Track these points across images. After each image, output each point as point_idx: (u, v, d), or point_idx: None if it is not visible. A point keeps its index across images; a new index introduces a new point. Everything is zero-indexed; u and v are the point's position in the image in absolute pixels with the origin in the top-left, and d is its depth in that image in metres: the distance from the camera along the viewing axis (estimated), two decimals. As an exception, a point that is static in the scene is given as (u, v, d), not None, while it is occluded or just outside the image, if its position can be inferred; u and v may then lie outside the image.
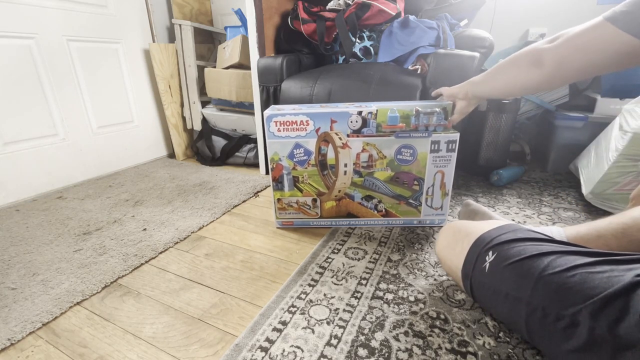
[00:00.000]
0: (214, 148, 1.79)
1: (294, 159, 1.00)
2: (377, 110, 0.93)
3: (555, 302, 0.47)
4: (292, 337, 0.65)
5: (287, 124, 0.96)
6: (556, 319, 0.46)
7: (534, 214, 1.14)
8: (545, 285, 0.48)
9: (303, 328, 0.67)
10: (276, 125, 0.97)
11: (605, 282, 0.43)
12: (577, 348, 0.44)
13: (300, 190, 1.04)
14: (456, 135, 0.93)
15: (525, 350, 0.60)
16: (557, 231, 0.70)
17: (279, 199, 1.06)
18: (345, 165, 0.99)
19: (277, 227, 1.11)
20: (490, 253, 0.57)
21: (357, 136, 0.96)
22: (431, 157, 0.95)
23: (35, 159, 1.42)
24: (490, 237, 0.59)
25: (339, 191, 1.03)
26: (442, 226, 0.99)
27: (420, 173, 0.98)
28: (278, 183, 1.04)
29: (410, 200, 1.02)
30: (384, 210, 1.04)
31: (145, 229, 1.11)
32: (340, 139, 0.96)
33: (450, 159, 0.95)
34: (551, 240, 0.55)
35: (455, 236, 0.68)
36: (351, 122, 0.94)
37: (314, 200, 1.05)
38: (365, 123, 0.94)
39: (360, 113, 0.93)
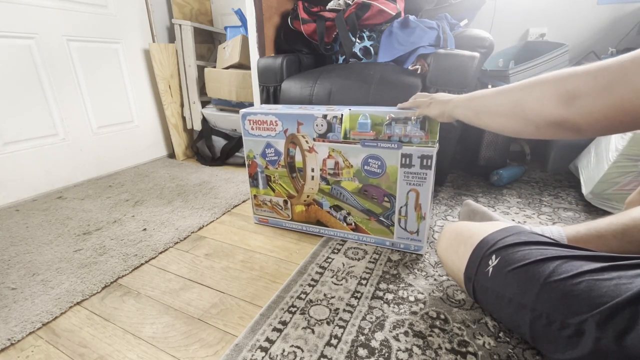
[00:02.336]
0: (214, 148, 1.79)
1: (266, 158, 1.02)
2: (342, 115, 0.87)
3: (560, 309, 0.46)
4: (292, 337, 0.65)
5: (259, 123, 0.98)
6: (561, 327, 0.45)
7: (534, 214, 1.14)
8: (551, 292, 0.47)
9: (303, 328, 0.67)
10: (250, 124, 0.99)
11: (612, 290, 0.41)
12: (582, 357, 0.43)
13: (273, 190, 1.05)
14: (432, 150, 0.79)
15: (525, 351, 0.60)
16: (557, 231, 0.69)
17: (255, 195, 1.09)
18: (312, 170, 0.95)
19: (255, 223, 1.14)
20: (494, 257, 0.56)
21: (323, 141, 0.91)
22: (402, 172, 0.84)
23: (35, 159, 1.42)
24: (494, 240, 0.59)
25: (307, 196, 1.00)
26: (419, 254, 0.89)
27: (391, 189, 0.87)
28: (254, 180, 1.07)
29: (382, 218, 0.92)
30: (353, 224, 0.97)
31: (145, 229, 1.11)
32: (307, 142, 0.93)
33: (425, 177, 0.82)
34: (555, 244, 0.54)
35: (457, 238, 0.68)
36: (316, 125, 0.90)
37: (285, 202, 1.04)
38: (330, 127, 0.89)
39: (325, 117, 0.89)
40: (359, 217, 0.95)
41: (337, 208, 0.98)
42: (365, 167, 0.89)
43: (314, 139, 0.92)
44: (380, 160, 0.86)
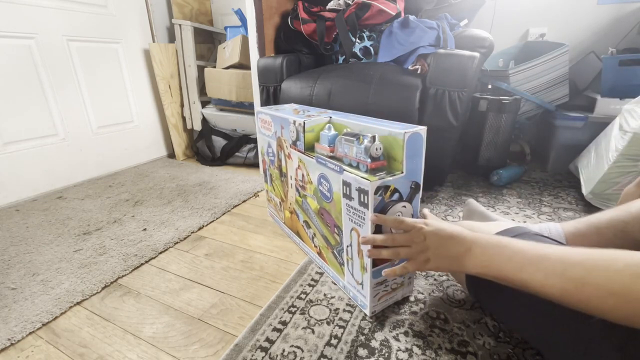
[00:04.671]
0: (214, 148, 1.79)
1: (268, 157, 1.03)
2: (304, 122, 0.77)
3: (561, 311, 0.46)
4: (292, 337, 0.65)
5: (263, 122, 0.99)
6: (560, 327, 0.46)
7: (534, 214, 1.14)
8: None
9: (303, 328, 0.67)
10: (260, 122, 1.01)
11: None
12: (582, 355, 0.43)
13: (274, 189, 1.06)
14: (372, 185, 0.57)
15: (525, 351, 0.60)
16: (555, 227, 0.69)
17: (267, 190, 1.11)
18: (291, 177, 0.88)
19: (268, 216, 1.17)
20: None
21: (295, 149, 0.83)
22: (344, 203, 0.66)
23: (35, 159, 1.42)
24: None
25: (290, 203, 0.93)
26: (364, 312, 0.70)
27: (338, 220, 0.71)
28: (265, 175, 1.09)
29: (335, 252, 0.76)
30: (318, 247, 0.84)
31: (145, 229, 1.11)
32: (286, 147, 0.87)
33: (363, 216, 0.62)
34: (561, 245, 0.54)
35: None
36: (291, 131, 0.83)
37: (280, 203, 1.03)
38: (298, 135, 0.80)
39: (294, 122, 0.80)
40: (321, 242, 0.82)
41: (307, 224, 0.87)
42: (320, 186, 0.75)
43: (290, 145, 0.85)
44: (329, 182, 0.70)
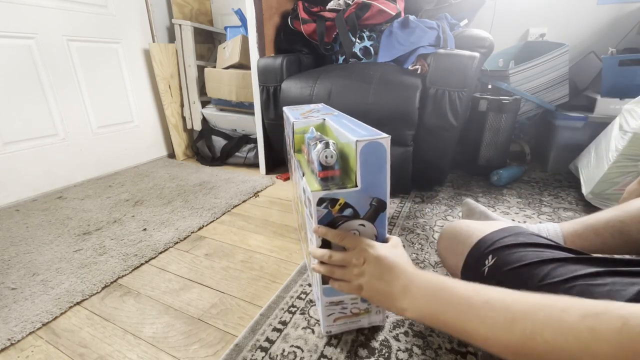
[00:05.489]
0: (214, 148, 1.79)
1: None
2: (292, 123, 0.75)
3: None
4: (292, 337, 0.65)
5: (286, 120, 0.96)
6: None
7: (534, 214, 1.14)
8: None
9: (303, 328, 0.67)
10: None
11: (605, 296, 0.40)
12: None
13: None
14: (313, 195, 0.52)
15: (525, 350, 0.60)
16: (553, 228, 0.69)
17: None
18: (295, 177, 0.87)
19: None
20: (490, 257, 0.56)
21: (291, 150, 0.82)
22: (306, 211, 0.61)
23: (35, 159, 1.42)
24: (491, 240, 0.58)
25: (296, 203, 0.91)
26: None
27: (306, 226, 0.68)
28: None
29: None
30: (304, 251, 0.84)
31: (145, 229, 1.11)
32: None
33: (312, 234, 0.57)
34: (554, 246, 0.54)
35: (457, 236, 0.67)
36: (287, 133, 0.84)
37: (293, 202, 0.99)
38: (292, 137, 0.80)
39: (293, 125, 0.77)
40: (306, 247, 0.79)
41: (300, 226, 0.86)
42: (301, 191, 0.69)
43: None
44: (304, 186, 0.64)
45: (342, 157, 0.56)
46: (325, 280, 0.57)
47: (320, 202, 0.52)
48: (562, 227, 0.68)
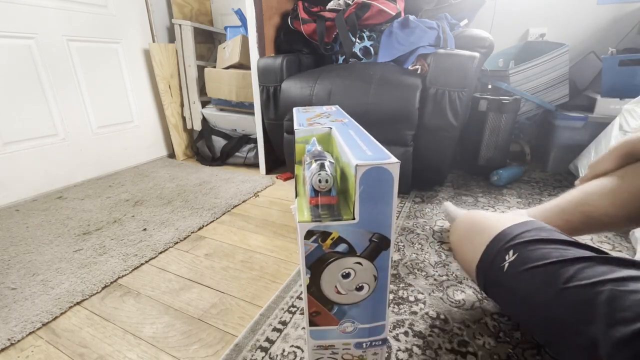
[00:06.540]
0: (214, 148, 1.79)
1: None
2: (299, 126, 0.64)
3: (577, 316, 0.43)
4: (292, 337, 0.65)
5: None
6: (574, 334, 0.43)
7: (534, 214, 1.14)
8: (569, 297, 0.44)
9: (303, 328, 0.67)
10: None
11: (637, 304, 0.37)
12: None
13: None
14: (300, 226, 0.43)
15: (525, 351, 0.60)
16: (520, 213, 0.70)
17: None
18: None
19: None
20: (511, 252, 0.54)
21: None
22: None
23: (35, 159, 1.42)
24: (512, 235, 0.56)
25: None
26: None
27: None
28: None
29: None
30: None
31: (145, 229, 1.11)
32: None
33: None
34: (576, 244, 0.52)
35: (475, 227, 0.64)
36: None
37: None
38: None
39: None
40: None
41: None
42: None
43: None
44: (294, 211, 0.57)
45: (343, 178, 0.47)
46: (312, 321, 0.50)
47: (309, 235, 0.43)
48: (529, 213, 0.69)
